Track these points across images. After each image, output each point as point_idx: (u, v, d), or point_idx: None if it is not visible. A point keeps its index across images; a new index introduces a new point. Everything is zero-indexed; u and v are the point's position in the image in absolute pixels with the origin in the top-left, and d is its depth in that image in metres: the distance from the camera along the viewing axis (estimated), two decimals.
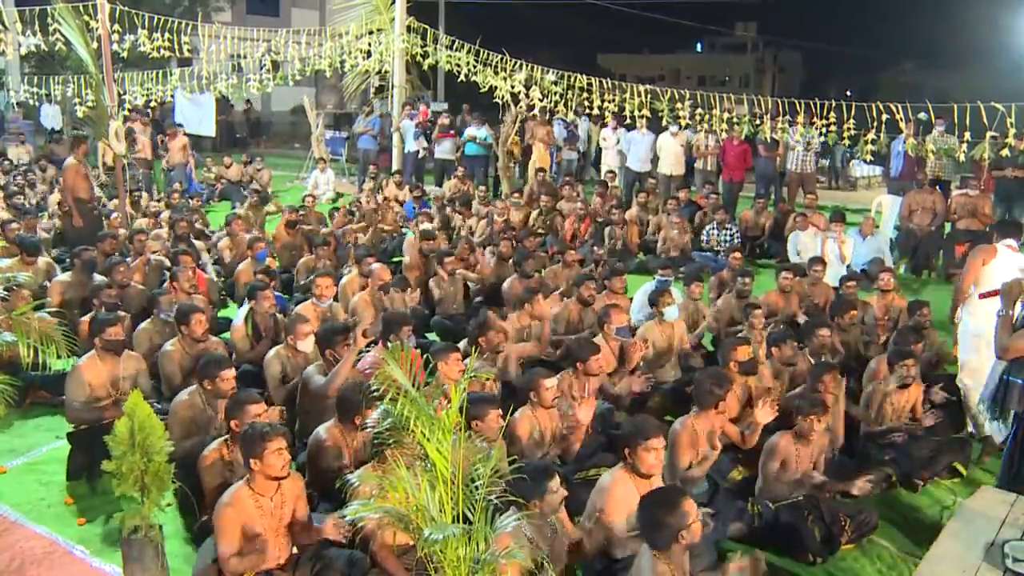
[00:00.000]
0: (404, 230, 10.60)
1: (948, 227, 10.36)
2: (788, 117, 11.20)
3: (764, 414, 4.83)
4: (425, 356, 4.28)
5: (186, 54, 13.72)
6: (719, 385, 4.71)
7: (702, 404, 4.72)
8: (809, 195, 11.01)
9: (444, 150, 14.26)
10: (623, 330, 6.00)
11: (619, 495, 3.90)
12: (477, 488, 3.10)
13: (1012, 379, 4.73)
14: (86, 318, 6.06)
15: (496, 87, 12.81)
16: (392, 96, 14.71)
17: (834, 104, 10.46)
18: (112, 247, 8.30)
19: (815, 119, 10.66)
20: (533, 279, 7.66)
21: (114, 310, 6.33)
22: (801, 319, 7.14)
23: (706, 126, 11.73)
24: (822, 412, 4.60)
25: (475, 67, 13.09)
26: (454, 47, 13.42)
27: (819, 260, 7.98)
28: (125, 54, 12.86)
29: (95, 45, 10.22)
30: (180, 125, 14.61)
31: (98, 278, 7.29)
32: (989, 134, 9.51)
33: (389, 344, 5.13)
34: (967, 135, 9.60)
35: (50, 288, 7.15)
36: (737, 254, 8.24)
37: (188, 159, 14.35)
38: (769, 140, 11.65)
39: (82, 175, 9.59)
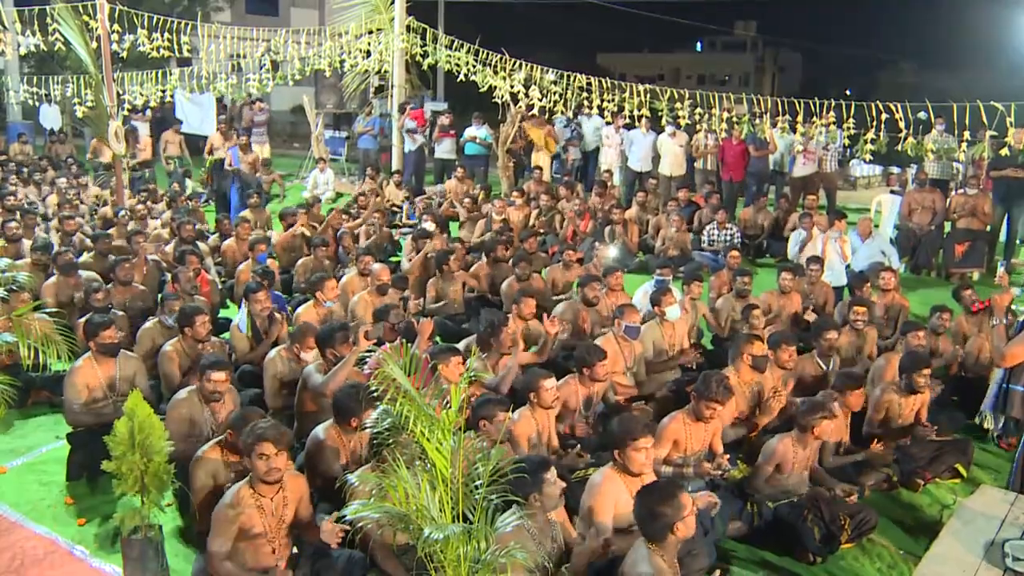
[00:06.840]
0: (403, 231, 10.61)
1: (948, 226, 10.36)
2: (788, 117, 11.16)
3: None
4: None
5: (185, 54, 13.69)
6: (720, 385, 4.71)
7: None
8: (810, 196, 10.93)
9: (444, 150, 14.25)
10: (632, 329, 6.00)
11: (608, 493, 3.92)
12: (477, 488, 3.10)
13: (1012, 387, 4.76)
14: (83, 319, 6.01)
15: (496, 87, 12.80)
16: (392, 96, 14.70)
17: (834, 104, 10.43)
18: (108, 247, 8.30)
19: (815, 118, 10.63)
20: (534, 280, 7.63)
21: (106, 311, 6.31)
22: (810, 316, 7.18)
23: (705, 126, 11.70)
24: (829, 416, 4.62)
25: (474, 67, 13.07)
26: (454, 47, 13.40)
27: (816, 259, 7.96)
28: (125, 54, 12.84)
29: (94, 45, 10.20)
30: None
31: (85, 274, 7.30)
32: (988, 133, 9.48)
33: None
34: (966, 135, 9.58)
35: (42, 291, 7.15)
36: (735, 253, 8.21)
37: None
38: (759, 139, 11.61)
39: None
